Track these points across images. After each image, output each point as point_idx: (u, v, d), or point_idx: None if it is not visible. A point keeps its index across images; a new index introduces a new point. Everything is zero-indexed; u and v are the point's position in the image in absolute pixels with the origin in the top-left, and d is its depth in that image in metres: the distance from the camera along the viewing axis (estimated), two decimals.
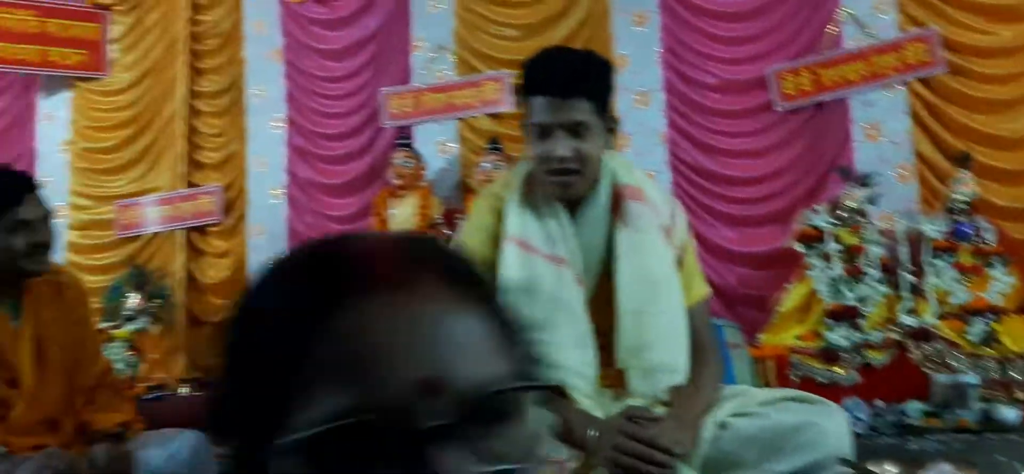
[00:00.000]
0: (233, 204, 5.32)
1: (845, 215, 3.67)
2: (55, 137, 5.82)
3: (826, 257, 3.60)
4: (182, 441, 2.32)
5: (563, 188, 1.62)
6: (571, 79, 1.58)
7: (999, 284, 3.46)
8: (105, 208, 5.58)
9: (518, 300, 1.51)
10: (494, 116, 4.77)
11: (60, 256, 5.61)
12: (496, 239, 1.70)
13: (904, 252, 3.58)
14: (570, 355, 1.61)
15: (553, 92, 1.57)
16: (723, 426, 1.54)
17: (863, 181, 3.73)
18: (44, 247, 2.18)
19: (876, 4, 4.16)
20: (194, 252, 5.37)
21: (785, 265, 3.94)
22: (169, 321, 5.11)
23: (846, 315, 3.46)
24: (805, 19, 4.25)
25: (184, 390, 4.73)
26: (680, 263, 1.75)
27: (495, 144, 4.36)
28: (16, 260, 2.14)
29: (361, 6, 5.11)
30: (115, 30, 5.77)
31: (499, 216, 1.71)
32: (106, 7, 5.79)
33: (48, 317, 2.33)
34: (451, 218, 4.30)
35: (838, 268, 3.55)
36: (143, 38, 5.67)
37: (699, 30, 4.42)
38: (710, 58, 4.36)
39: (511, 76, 4.71)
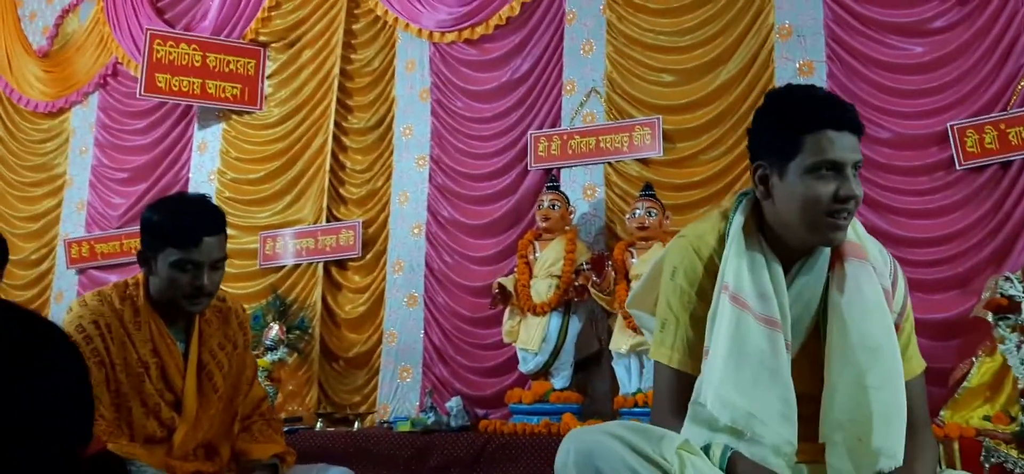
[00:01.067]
0: (374, 240, 5.36)
1: None
2: (206, 167, 6.05)
3: (1021, 329, 3.28)
4: None
5: (841, 232, 1.51)
6: (852, 115, 1.49)
7: None
8: (250, 238, 5.73)
9: (723, 360, 1.34)
10: (643, 162, 4.65)
11: None
12: (704, 290, 1.58)
13: None
14: (773, 430, 1.46)
15: (850, 128, 1.48)
16: None
17: None
18: (206, 294, 2.15)
19: None
20: (332, 286, 5.43)
21: (968, 335, 3.64)
22: (307, 353, 5.16)
23: None
24: (990, 73, 3.96)
25: (318, 424, 4.75)
26: (898, 330, 1.57)
27: (649, 190, 4.23)
28: (176, 296, 2.12)
29: (513, 48, 5.12)
30: (271, 66, 5.98)
31: (708, 266, 1.58)
32: (263, 44, 6.02)
33: (214, 344, 2.31)
34: (601, 264, 4.17)
35: None
36: (297, 74, 5.85)
37: (870, 81, 4.19)
38: (883, 111, 4.12)
39: (661, 122, 4.60)
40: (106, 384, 2.14)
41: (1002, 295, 3.35)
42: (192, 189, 6.05)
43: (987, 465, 3.08)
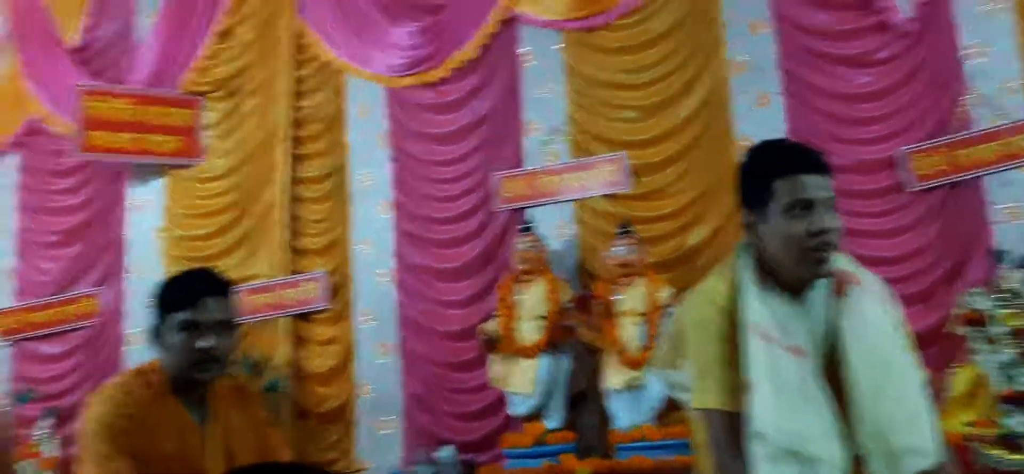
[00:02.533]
0: (338, 290, 5.27)
1: (1006, 297, 3.65)
2: (145, 224, 5.79)
3: (991, 340, 3.56)
4: None
5: (825, 263, 1.62)
6: (818, 157, 1.63)
7: None
8: None
9: (767, 393, 1.48)
10: (611, 197, 4.77)
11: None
12: (728, 335, 1.66)
13: None
14: (824, 448, 1.58)
15: (817, 170, 1.62)
16: None
17: (1021, 263, 3.71)
18: (214, 359, 2.12)
19: (1005, 84, 4.20)
20: (298, 340, 5.30)
21: (935, 347, 3.91)
22: (279, 412, 5.02)
23: (1017, 400, 3.41)
24: (933, 100, 4.29)
25: None
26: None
27: (627, 227, 4.34)
28: (184, 365, 2.09)
29: (470, 91, 5.15)
30: (210, 116, 5.79)
31: (728, 312, 1.67)
32: (200, 94, 5.82)
33: (236, 422, 2.27)
34: (586, 303, 4.25)
35: (1008, 352, 3.51)
36: (241, 124, 5.69)
37: (823, 112, 4.46)
38: (838, 139, 4.38)
39: (627, 156, 4.73)
40: None
41: (972, 309, 3.63)
42: (132, 249, 5.79)
43: (979, 467, 3.33)
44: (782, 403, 1.58)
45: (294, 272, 5.37)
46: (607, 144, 4.83)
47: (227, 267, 5.51)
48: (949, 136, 4.21)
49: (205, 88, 5.81)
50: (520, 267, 4.45)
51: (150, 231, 5.77)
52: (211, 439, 2.19)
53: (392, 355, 5.06)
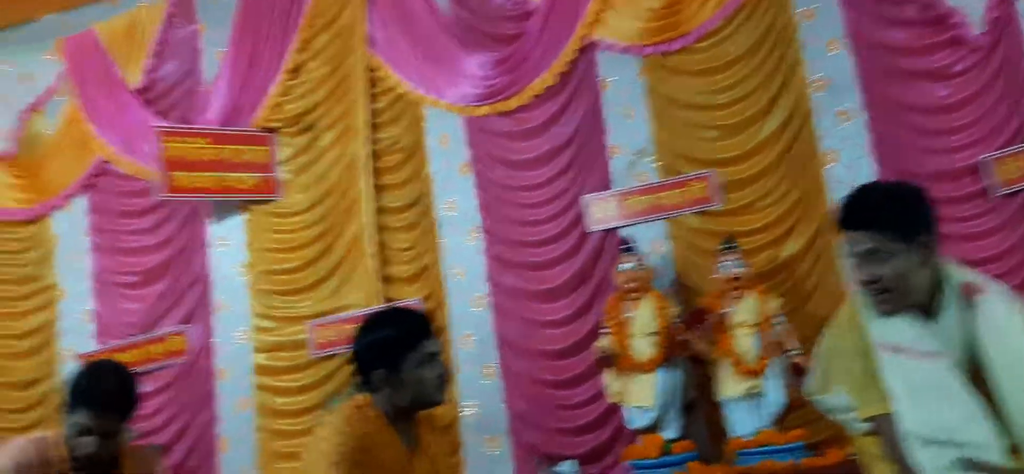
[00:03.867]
0: (432, 315, 5.42)
1: None
2: (229, 260, 5.90)
3: None
4: None
5: (883, 305, 1.91)
6: (859, 214, 1.90)
7: None
8: (294, 328, 5.66)
9: (905, 403, 1.78)
10: (702, 214, 5.01)
11: (248, 380, 5.68)
12: (864, 353, 1.94)
13: None
14: (973, 432, 1.82)
15: (846, 228, 1.92)
16: None
17: None
18: (444, 380, 2.34)
19: None
20: None
21: None
22: None
23: None
24: (1009, 107, 4.58)
25: None
26: None
27: (731, 243, 4.58)
28: (428, 392, 2.28)
29: (550, 117, 5.34)
30: (283, 152, 5.90)
31: (861, 332, 1.94)
32: (273, 130, 5.93)
33: (435, 449, 2.47)
34: (699, 317, 4.48)
35: None
36: (319, 159, 5.81)
37: (906, 123, 4.73)
38: (922, 150, 4.66)
39: (715, 173, 4.97)
40: None
41: None
42: (219, 284, 5.90)
43: None
44: (919, 403, 1.84)
45: (386, 300, 5.52)
46: (693, 162, 5.07)
47: (319, 299, 5.67)
48: (1019, 146, 4.52)
49: (278, 124, 5.92)
50: (627, 286, 4.67)
51: (234, 267, 5.88)
52: (420, 467, 2.38)
53: (494, 377, 5.25)
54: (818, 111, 4.88)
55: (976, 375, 1.89)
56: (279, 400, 5.67)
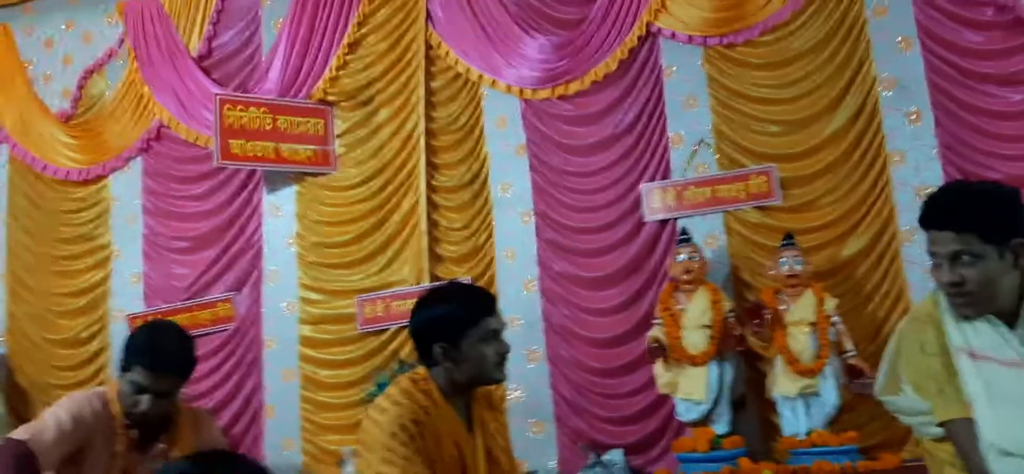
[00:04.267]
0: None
1: None
2: (282, 232, 5.94)
3: None
4: None
5: (965, 308, 1.82)
6: (944, 214, 1.80)
7: None
8: (342, 302, 5.68)
9: (986, 410, 1.67)
10: (760, 209, 4.95)
11: (294, 351, 5.72)
12: (943, 354, 1.86)
13: None
14: None
15: (930, 226, 1.82)
16: None
17: None
18: (505, 357, 2.31)
19: None
20: None
21: None
22: None
23: None
24: None
25: None
26: None
27: (790, 239, 4.52)
28: (487, 370, 2.26)
29: (610, 104, 5.30)
30: (339, 125, 5.93)
31: (940, 333, 1.86)
32: (330, 103, 5.95)
33: (492, 427, 2.44)
34: (758, 312, 4.43)
35: None
36: (375, 134, 5.83)
37: (974, 127, 4.64)
38: (990, 154, 4.57)
39: (776, 168, 4.91)
40: None
41: None
42: (269, 255, 5.94)
43: None
44: (1003, 415, 1.75)
45: (435, 279, 5.53)
46: (754, 156, 5.00)
47: (367, 273, 5.69)
48: None
49: (335, 98, 5.94)
50: (682, 277, 4.62)
51: (285, 238, 5.91)
52: (477, 443, 2.36)
53: (541, 361, 5.24)
54: (885, 110, 4.79)
55: None
56: (323, 372, 5.70)
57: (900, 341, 2.02)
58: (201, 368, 5.70)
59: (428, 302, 2.28)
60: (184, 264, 6.12)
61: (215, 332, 5.91)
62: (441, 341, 2.16)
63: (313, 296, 5.80)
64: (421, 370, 2.24)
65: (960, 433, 1.85)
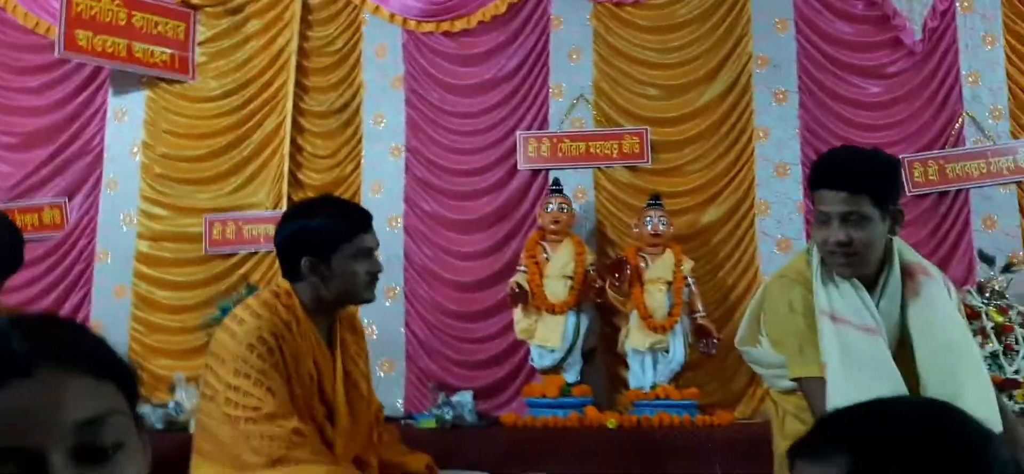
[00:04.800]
0: None
1: (993, 296, 4.17)
2: (126, 138, 5.46)
3: (982, 333, 4.07)
4: None
5: (846, 269, 1.91)
6: (841, 175, 1.88)
7: None
8: (188, 220, 5.29)
9: (838, 371, 1.81)
10: (631, 169, 4.99)
11: (129, 267, 5.28)
12: (806, 313, 1.95)
13: None
14: None
15: (823, 185, 1.88)
16: None
17: (1007, 267, 4.25)
18: (377, 278, 2.24)
19: (993, 111, 4.74)
20: None
21: None
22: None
23: (1007, 387, 3.93)
24: (932, 116, 4.77)
25: None
26: None
27: (657, 200, 4.57)
28: (357, 288, 2.18)
29: (496, 46, 5.19)
30: (202, 32, 5.51)
31: (808, 293, 1.95)
32: (194, 7, 5.53)
33: (353, 350, 2.36)
34: (621, 267, 4.44)
35: (996, 344, 4.03)
36: (242, 46, 5.45)
37: (835, 114, 4.85)
38: (845, 140, 4.76)
39: (649, 132, 4.95)
40: (292, 400, 2.11)
41: (968, 305, 4.11)
42: (110, 161, 5.46)
43: None
44: (852, 377, 1.81)
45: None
46: (631, 117, 5.03)
47: (220, 192, 5.33)
48: (943, 150, 4.71)
49: (201, 1, 5.52)
50: (550, 227, 4.58)
51: (129, 145, 5.44)
52: (338, 365, 2.25)
53: (397, 299, 5.07)
54: (756, 87, 4.93)
55: (899, 352, 1.91)
56: (160, 293, 5.29)
57: (765, 297, 2.06)
58: (23, 276, 5.18)
59: (299, 213, 2.19)
60: (10, 162, 5.52)
61: (41, 239, 5.35)
62: (310, 255, 2.06)
63: (156, 211, 5.36)
64: (284, 284, 2.12)
65: (813, 390, 1.89)
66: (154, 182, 5.38)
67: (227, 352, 1.99)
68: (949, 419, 0.74)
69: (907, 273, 1.95)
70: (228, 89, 5.42)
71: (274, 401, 1.99)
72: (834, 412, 0.79)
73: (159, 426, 4.31)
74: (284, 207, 5.18)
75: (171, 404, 4.50)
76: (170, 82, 5.47)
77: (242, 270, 5.20)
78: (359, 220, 2.17)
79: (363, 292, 2.17)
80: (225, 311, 4.68)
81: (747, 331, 2.13)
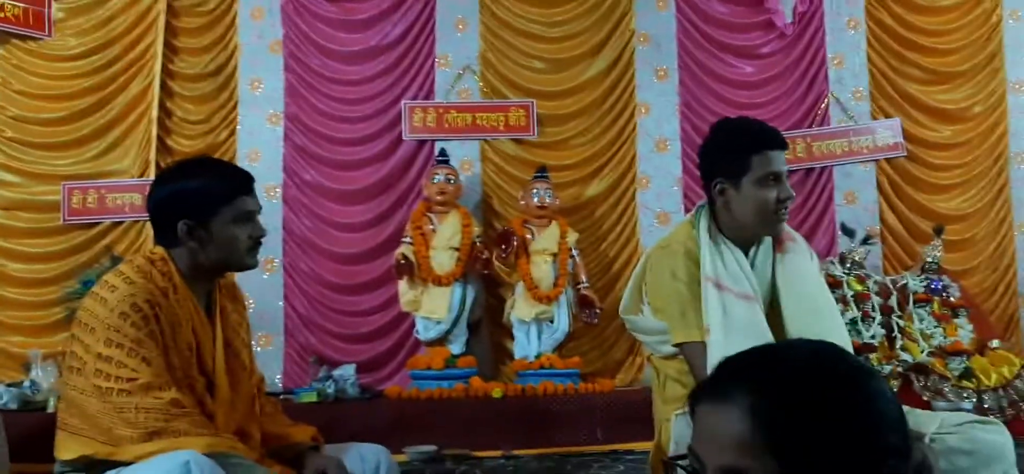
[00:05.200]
0: None
1: (853, 267, 4.44)
2: None
3: (844, 301, 4.33)
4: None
5: (779, 223, 2.01)
6: (780, 138, 2.01)
7: (964, 331, 4.40)
8: (44, 187, 4.91)
9: (719, 336, 1.98)
10: (517, 141, 5.00)
11: None
12: (696, 280, 2.04)
13: (895, 300, 4.42)
14: None
15: (781, 146, 1.99)
16: (932, 440, 1.82)
17: (866, 240, 4.54)
18: (260, 243, 2.19)
19: (855, 92, 5.04)
20: None
21: None
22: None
23: (864, 351, 4.20)
24: (801, 96, 5.02)
25: None
26: None
27: (544, 173, 4.60)
28: (238, 254, 2.12)
29: (380, 13, 5.07)
30: None
31: (695, 261, 2.04)
32: None
33: (234, 320, 2.30)
34: (508, 238, 4.44)
35: (855, 311, 4.30)
36: (104, 2, 5.08)
37: (713, 92, 5.02)
38: (720, 117, 4.94)
39: (535, 104, 4.98)
40: (169, 371, 2.02)
41: (830, 275, 4.36)
42: None
43: None
44: (731, 342, 1.90)
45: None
46: (516, 89, 5.03)
47: (80, 158, 4.98)
48: (810, 129, 4.97)
49: None
50: (437, 198, 4.53)
51: None
52: (218, 334, 2.16)
53: (276, 272, 4.89)
54: (639, 63, 5.04)
55: (769, 313, 2.00)
56: (13, 265, 4.89)
57: (648, 266, 2.10)
58: None
59: (174, 175, 2.04)
60: None
61: None
62: (187, 218, 1.93)
63: (8, 178, 4.94)
64: (159, 250, 1.98)
65: (694, 354, 1.96)
66: (5, 146, 4.95)
67: (97, 321, 1.85)
68: (837, 356, 0.76)
69: (775, 239, 2.05)
70: (89, 48, 5.04)
71: (150, 371, 1.86)
72: (731, 357, 0.81)
73: (13, 406, 3.99)
74: (151, 175, 4.89)
75: (26, 383, 4.17)
76: (23, 38, 5.04)
77: (105, 241, 4.88)
78: (240, 182, 2.03)
79: (245, 257, 2.05)
80: (88, 284, 4.39)
81: (630, 300, 2.18)
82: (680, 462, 0.79)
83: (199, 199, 1.96)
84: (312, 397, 4.17)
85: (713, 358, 1.88)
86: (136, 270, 1.97)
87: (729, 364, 0.79)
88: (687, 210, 4.82)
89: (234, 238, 1.99)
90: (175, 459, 1.81)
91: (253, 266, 2.10)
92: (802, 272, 2.03)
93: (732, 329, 1.91)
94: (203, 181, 1.99)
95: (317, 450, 2.30)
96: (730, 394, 0.74)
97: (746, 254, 2.03)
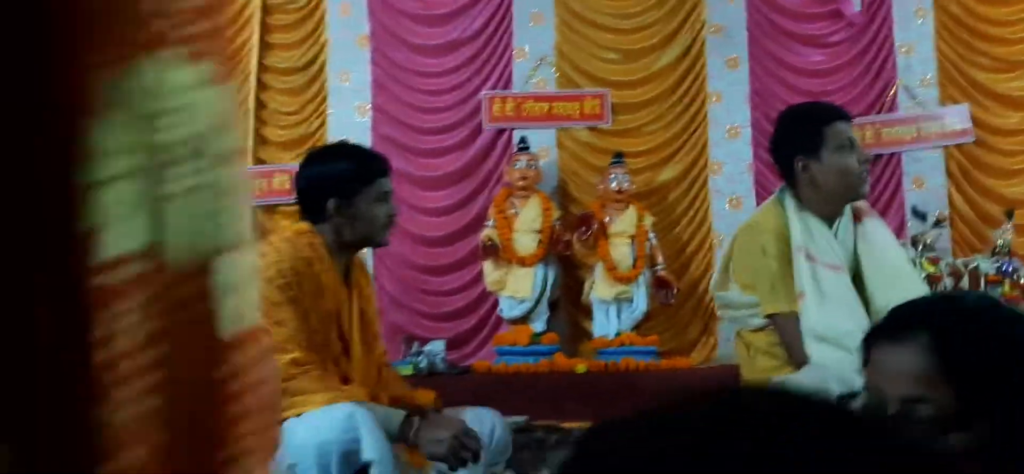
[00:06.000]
0: None
1: (924, 249, 4.59)
2: None
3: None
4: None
5: (863, 186, 2.18)
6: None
7: None
8: None
9: (812, 302, 2.17)
10: (591, 129, 5.22)
11: None
12: (785, 255, 2.19)
13: (966, 282, 4.56)
14: (859, 340, 2.21)
15: (848, 118, 2.25)
16: None
17: (937, 223, 4.68)
18: (394, 220, 2.42)
19: (923, 80, 5.15)
20: (263, 231, 5.25)
21: None
22: None
23: None
24: (869, 83, 5.15)
25: None
26: None
27: (620, 158, 4.82)
28: (377, 230, 2.35)
29: (459, 8, 5.32)
30: None
31: (781, 237, 2.18)
32: None
33: (367, 291, 2.54)
34: (588, 221, 4.67)
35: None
36: None
37: (782, 81, 5.18)
38: (790, 105, 5.11)
39: (610, 93, 5.19)
40: (310, 334, 2.26)
41: None
42: None
43: None
44: (824, 309, 2.10)
45: (258, 162, 5.29)
46: (591, 79, 5.26)
47: None
48: (879, 116, 5.10)
49: None
50: (518, 183, 4.78)
51: None
52: (354, 305, 2.41)
53: (366, 254, 5.17)
54: (709, 53, 5.21)
55: (854, 283, 2.17)
56: None
57: (735, 246, 2.29)
58: None
59: (322, 157, 2.29)
60: None
61: None
62: (335, 197, 2.13)
63: None
64: (304, 224, 2.20)
65: (787, 325, 2.13)
66: None
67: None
68: (997, 301, 0.97)
69: (854, 211, 2.22)
70: None
71: (283, 332, 2.08)
72: (902, 305, 1.00)
73: None
74: (250, 164, 5.22)
75: None
76: None
77: None
78: (380, 165, 2.26)
79: (382, 234, 2.25)
80: None
81: (719, 278, 2.37)
82: (851, 400, 0.99)
83: (346, 179, 2.18)
84: (408, 370, 4.45)
85: (807, 324, 2.04)
86: (284, 240, 2.22)
87: (902, 310, 0.99)
88: (758, 195, 5.04)
89: (375, 216, 2.20)
90: (342, 409, 2.09)
91: (387, 243, 2.35)
92: (882, 241, 2.21)
93: (824, 297, 2.07)
94: (348, 164, 2.22)
95: (438, 412, 2.57)
96: (910, 333, 0.91)
97: (829, 227, 2.20)
